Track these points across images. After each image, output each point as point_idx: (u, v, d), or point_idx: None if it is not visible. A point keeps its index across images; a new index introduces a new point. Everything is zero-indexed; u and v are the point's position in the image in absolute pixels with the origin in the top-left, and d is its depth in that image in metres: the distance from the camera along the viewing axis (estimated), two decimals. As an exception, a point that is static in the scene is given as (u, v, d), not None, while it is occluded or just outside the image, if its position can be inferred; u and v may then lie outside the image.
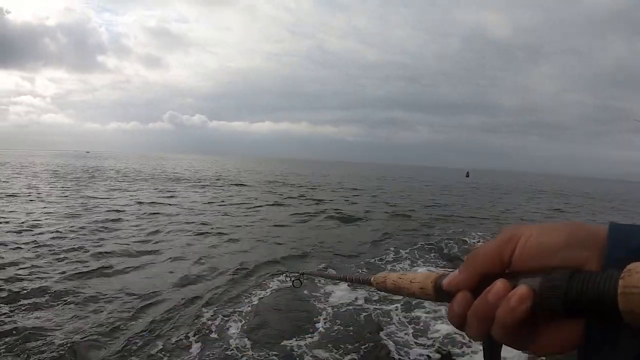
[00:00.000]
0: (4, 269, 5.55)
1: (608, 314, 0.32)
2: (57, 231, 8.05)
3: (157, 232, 8.63)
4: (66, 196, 13.97)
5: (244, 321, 4.22)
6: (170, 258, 6.61)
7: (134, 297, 4.79)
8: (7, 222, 8.68)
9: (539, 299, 0.36)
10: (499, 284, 0.39)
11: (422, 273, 0.52)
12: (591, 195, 32.03)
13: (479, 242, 8.44)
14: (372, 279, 0.62)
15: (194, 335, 3.86)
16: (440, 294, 0.47)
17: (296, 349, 3.67)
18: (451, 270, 0.47)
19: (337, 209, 13.20)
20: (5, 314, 4.15)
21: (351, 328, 4.13)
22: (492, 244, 0.42)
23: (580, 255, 0.37)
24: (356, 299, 4.88)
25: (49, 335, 3.74)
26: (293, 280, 1.46)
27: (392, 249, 7.74)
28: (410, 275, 0.54)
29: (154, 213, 11.02)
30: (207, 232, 8.76)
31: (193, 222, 9.93)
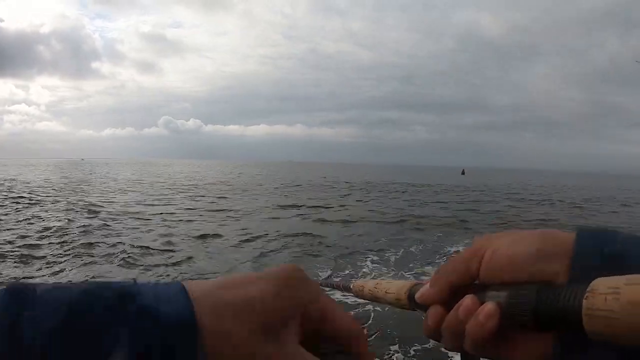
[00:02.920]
0: None
1: (575, 330, 0.32)
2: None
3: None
4: None
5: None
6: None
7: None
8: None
9: (507, 314, 0.36)
10: (468, 300, 0.39)
11: (397, 282, 0.51)
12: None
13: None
14: (351, 285, 0.61)
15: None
16: (415, 304, 0.46)
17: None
18: (426, 278, 0.46)
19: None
20: None
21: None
22: (459, 256, 0.42)
23: (548, 267, 0.37)
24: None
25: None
26: None
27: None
28: (386, 285, 0.53)
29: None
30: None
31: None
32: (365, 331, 0.37)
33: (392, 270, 6.54)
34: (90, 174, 40.77)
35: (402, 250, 7.85)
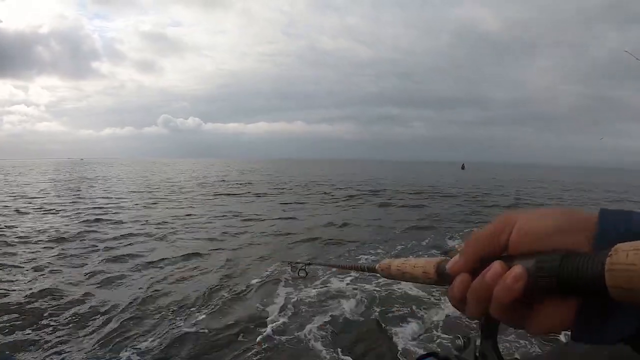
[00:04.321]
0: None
1: (598, 291, 0.34)
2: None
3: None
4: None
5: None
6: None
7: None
8: None
9: (534, 278, 0.38)
10: (496, 265, 0.41)
11: (424, 259, 0.55)
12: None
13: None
14: (377, 267, 0.64)
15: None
16: (442, 277, 0.50)
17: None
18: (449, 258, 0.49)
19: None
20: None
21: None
22: (489, 228, 0.44)
23: (572, 239, 0.39)
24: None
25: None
26: (298, 270, 1.48)
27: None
28: (413, 261, 0.56)
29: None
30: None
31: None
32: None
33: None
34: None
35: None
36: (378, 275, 0.66)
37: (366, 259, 6.70)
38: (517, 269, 0.39)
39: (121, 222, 10.35)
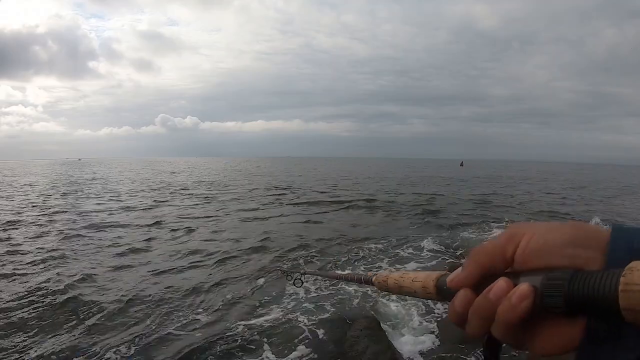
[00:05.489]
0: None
1: (609, 312, 0.32)
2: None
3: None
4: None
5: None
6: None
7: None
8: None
9: (541, 297, 0.36)
10: (501, 282, 0.39)
11: (424, 272, 0.52)
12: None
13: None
14: (373, 279, 0.61)
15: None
16: (442, 292, 0.47)
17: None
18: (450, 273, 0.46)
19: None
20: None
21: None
22: (495, 241, 0.42)
23: (582, 255, 0.37)
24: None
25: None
26: (294, 280, 1.46)
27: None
28: (412, 274, 0.53)
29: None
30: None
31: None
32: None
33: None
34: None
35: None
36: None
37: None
38: (524, 287, 0.37)
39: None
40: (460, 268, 0.44)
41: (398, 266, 6.35)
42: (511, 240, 0.41)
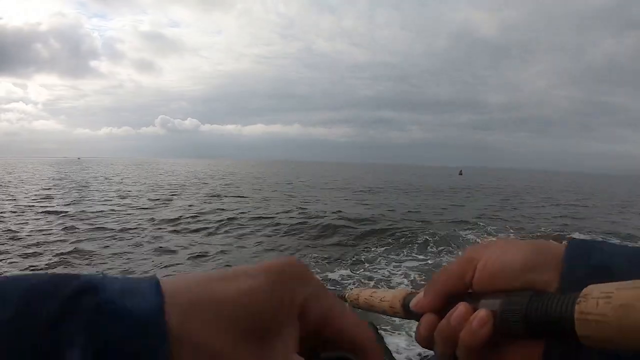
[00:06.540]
0: None
1: (567, 336, 0.32)
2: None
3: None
4: None
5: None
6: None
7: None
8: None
9: (500, 321, 0.37)
10: (461, 307, 0.39)
11: (392, 291, 0.52)
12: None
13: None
14: (346, 296, 0.61)
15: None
16: (409, 312, 0.47)
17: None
18: (421, 287, 0.47)
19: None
20: None
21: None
22: (452, 266, 0.42)
23: (540, 276, 0.37)
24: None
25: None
26: None
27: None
28: (381, 293, 0.53)
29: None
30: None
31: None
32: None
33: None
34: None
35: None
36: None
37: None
38: (482, 313, 0.37)
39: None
40: (422, 292, 0.44)
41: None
42: (469, 264, 0.41)
